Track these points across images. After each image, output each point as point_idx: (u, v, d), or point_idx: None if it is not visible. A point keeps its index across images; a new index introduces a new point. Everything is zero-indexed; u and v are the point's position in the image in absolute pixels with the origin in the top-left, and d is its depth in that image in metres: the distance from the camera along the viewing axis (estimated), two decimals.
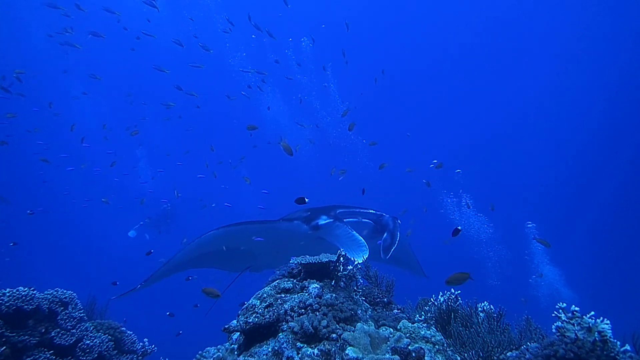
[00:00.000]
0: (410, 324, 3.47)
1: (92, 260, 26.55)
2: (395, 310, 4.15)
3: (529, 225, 16.01)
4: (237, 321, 3.28)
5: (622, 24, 24.72)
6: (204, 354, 3.13)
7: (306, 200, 4.85)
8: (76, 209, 24.66)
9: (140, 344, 5.07)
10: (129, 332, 4.98)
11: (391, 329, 3.47)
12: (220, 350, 3.13)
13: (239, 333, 3.26)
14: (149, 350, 5.11)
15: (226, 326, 3.16)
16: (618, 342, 2.60)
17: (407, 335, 3.34)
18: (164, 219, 21.35)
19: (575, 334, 2.62)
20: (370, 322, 3.60)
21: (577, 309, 2.73)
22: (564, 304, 2.79)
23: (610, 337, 2.55)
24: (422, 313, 4.06)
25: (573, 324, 2.67)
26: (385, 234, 6.04)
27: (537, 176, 31.54)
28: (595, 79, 28.05)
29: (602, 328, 2.57)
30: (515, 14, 27.73)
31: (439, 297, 4.03)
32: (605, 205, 29.12)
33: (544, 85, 30.29)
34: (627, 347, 2.59)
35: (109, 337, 4.59)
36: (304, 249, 4.79)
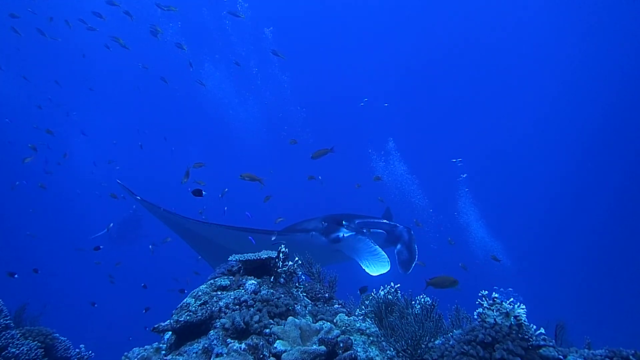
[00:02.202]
0: (346, 317, 3.50)
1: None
2: (336, 305, 4.18)
3: (462, 176, 16.47)
4: (169, 320, 3.19)
5: (624, 25, 25.37)
6: (129, 354, 3.02)
7: (203, 193, 4.66)
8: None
9: (76, 350, 4.81)
10: (62, 338, 4.71)
11: (328, 323, 3.49)
12: (147, 350, 3.03)
13: (170, 332, 3.17)
14: (85, 357, 4.86)
15: (155, 326, 3.06)
16: (533, 326, 2.75)
17: (343, 328, 3.37)
18: (130, 226, 19.13)
19: (494, 320, 2.74)
20: (308, 316, 3.61)
21: (497, 295, 2.86)
22: (486, 292, 2.91)
23: (524, 321, 2.68)
24: (363, 307, 4.11)
25: (493, 310, 2.79)
26: (399, 246, 5.92)
27: (535, 177, 32.22)
28: (595, 81, 28.83)
29: (518, 313, 2.70)
30: (516, 16, 28.39)
31: (380, 291, 4.12)
32: (600, 207, 29.77)
33: (541, 85, 31.03)
34: (542, 330, 2.75)
35: (39, 344, 4.33)
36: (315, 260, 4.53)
